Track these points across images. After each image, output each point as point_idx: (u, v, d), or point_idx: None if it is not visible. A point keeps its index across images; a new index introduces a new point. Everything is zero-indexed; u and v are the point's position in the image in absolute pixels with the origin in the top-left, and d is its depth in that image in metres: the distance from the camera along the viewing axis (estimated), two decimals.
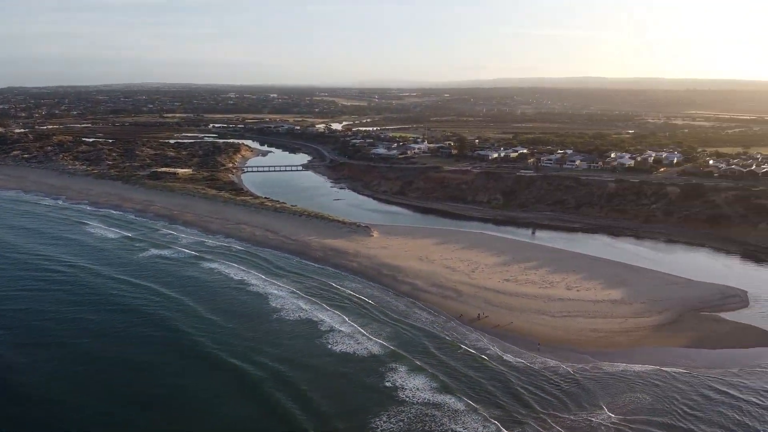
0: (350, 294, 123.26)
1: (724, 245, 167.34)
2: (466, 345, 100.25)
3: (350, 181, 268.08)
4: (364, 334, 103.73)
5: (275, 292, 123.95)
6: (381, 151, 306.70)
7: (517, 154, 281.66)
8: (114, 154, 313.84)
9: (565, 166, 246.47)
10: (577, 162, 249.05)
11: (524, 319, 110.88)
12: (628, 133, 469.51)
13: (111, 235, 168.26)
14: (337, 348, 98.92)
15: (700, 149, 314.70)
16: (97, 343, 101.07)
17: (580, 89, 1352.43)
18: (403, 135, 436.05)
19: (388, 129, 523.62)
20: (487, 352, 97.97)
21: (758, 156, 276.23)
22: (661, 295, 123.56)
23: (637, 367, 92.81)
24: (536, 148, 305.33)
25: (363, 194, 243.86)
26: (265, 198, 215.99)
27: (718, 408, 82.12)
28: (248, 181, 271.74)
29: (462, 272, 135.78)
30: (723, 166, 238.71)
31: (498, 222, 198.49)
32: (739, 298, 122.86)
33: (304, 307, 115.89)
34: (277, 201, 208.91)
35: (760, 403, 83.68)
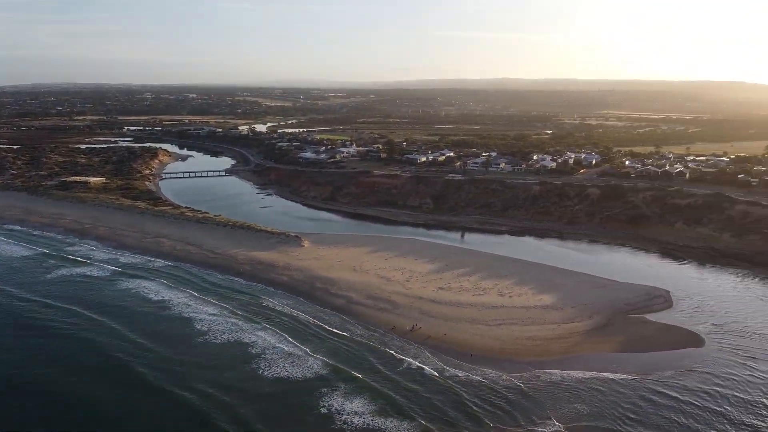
0: (282, 311, 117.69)
1: (644, 244, 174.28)
2: (403, 359, 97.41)
3: (277, 186, 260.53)
4: (297, 355, 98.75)
5: (200, 312, 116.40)
6: (309, 155, 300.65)
7: (444, 157, 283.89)
8: (19, 163, 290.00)
9: (490, 169, 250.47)
10: (502, 165, 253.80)
11: (460, 329, 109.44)
12: (547, 134, 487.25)
13: (16, 253, 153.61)
14: (270, 371, 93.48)
15: (615, 149, 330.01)
16: (8, 368, 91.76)
17: (499, 91, 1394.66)
18: (331, 137, 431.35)
19: (314, 131, 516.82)
20: (425, 366, 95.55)
21: (670, 155, 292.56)
22: (590, 298, 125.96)
23: (577, 374, 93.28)
24: (462, 151, 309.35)
25: (291, 200, 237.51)
26: (186, 208, 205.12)
27: (662, 412, 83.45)
28: (167, 189, 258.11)
29: (397, 282, 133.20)
30: (638, 166, 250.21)
31: (429, 226, 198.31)
32: (663, 299, 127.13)
33: (232, 327, 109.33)
34: (199, 211, 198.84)
35: (700, 404, 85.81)
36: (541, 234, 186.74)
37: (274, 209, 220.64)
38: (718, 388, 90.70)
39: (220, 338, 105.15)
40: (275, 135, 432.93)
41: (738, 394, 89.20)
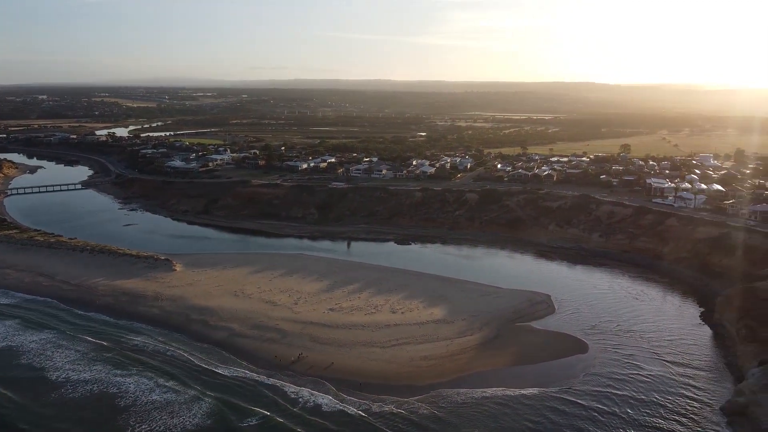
0: (153, 350, 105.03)
1: (521, 247, 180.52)
2: (296, 398, 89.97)
3: (143, 200, 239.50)
4: (174, 403, 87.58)
5: (55, 359, 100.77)
6: (178, 163, 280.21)
7: (326, 164, 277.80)
8: None
9: (373, 175, 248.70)
10: (384, 171, 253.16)
11: (355, 354, 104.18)
12: (422, 136, 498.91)
13: None
14: (144, 426, 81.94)
15: (486, 151, 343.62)
16: None
17: (374, 92, 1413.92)
18: (202, 141, 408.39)
19: (183, 134, 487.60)
20: (319, 401, 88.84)
21: (536, 157, 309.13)
22: (478, 308, 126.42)
23: (478, 393, 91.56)
24: (344, 157, 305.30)
25: (160, 216, 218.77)
26: (36, 231, 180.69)
27: (573, 421, 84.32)
28: (13, 207, 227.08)
29: (284, 306, 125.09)
30: (510, 169, 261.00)
31: (315, 238, 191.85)
32: (545, 304, 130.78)
33: (95, 375, 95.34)
34: (52, 234, 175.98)
35: (607, 408, 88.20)
36: (426, 240, 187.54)
37: (140, 227, 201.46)
38: (614, 390, 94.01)
39: (80, 390, 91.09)
40: (139, 141, 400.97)
41: (633, 394, 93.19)
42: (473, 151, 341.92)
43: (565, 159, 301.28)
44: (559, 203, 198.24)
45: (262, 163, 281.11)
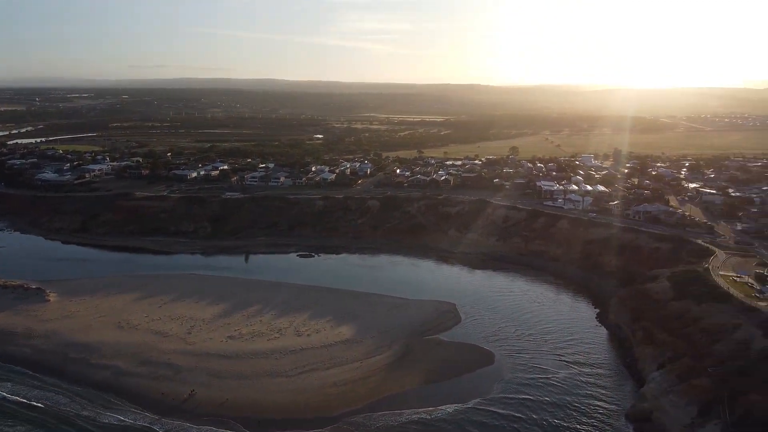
0: (25, 399, 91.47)
1: (425, 253, 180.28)
2: None
3: (10, 218, 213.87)
4: None
5: None
6: (50, 175, 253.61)
7: (218, 171, 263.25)
8: None
9: (270, 183, 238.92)
10: (282, 179, 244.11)
11: (258, 387, 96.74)
12: (319, 139, 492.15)
13: None
14: None
15: (384, 155, 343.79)
16: None
17: (266, 92, 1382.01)
18: (78, 148, 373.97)
19: (56, 141, 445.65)
20: None
21: (432, 161, 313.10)
22: (386, 323, 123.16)
23: (396, 417, 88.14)
24: (237, 163, 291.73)
25: (31, 236, 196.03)
26: None
27: None
28: None
29: (176, 337, 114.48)
30: (408, 174, 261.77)
31: (209, 253, 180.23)
32: (452, 314, 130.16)
33: None
34: None
35: (525, 416, 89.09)
36: (330, 251, 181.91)
37: (8, 250, 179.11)
38: (528, 396, 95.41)
39: None
40: (5, 150, 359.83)
41: (546, 398, 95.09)
42: (372, 155, 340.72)
43: (459, 162, 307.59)
44: (457, 208, 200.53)
45: (146, 172, 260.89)
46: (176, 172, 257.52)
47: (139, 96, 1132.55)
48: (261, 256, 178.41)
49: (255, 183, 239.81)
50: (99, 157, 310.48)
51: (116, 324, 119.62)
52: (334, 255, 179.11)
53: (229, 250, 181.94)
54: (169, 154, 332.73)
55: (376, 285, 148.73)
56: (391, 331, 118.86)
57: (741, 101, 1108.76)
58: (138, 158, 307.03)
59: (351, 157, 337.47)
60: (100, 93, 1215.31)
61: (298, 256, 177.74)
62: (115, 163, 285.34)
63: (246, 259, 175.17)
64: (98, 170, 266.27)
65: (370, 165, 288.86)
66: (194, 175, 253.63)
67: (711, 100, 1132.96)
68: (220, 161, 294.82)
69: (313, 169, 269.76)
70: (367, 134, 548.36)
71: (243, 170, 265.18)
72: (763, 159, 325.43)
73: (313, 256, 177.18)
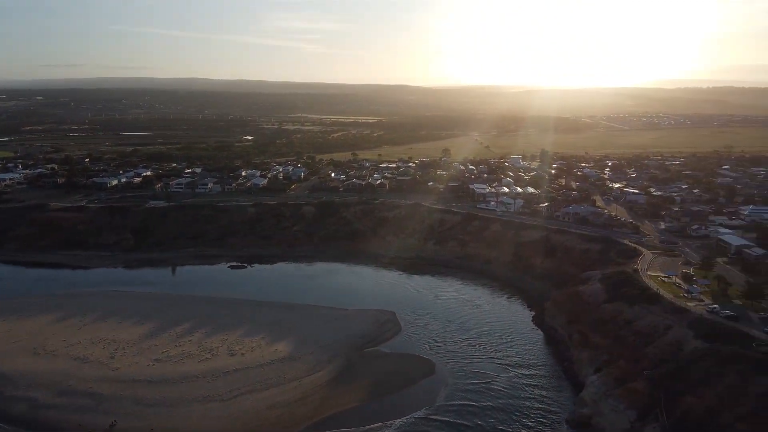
0: None
1: (363, 260, 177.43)
2: None
3: None
4: None
5: None
6: None
7: (141, 178, 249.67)
8: None
9: (197, 190, 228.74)
10: (210, 185, 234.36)
11: (190, 414, 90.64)
12: (248, 141, 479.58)
13: None
14: None
15: (318, 158, 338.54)
16: None
17: (191, 91, 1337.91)
18: None
19: None
20: None
21: (367, 164, 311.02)
22: (325, 336, 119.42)
23: None
24: (162, 169, 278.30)
25: None
26: None
27: None
28: None
29: (98, 362, 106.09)
30: (344, 177, 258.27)
31: (132, 267, 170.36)
32: (392, 324, 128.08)
33: None
34: None
35: (471, 424, 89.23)
36: (264, 261, 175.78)
37: None
38: (472, 403, 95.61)
39: None
40: None
41: (491, 404, 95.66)
42: (305, 158, 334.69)
43: (394, 165, 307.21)
44: (394, 213, 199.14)
45: (62, 180, 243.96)
46: (95, 179, 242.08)
47: (55, 97, 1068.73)
48: (189, 268, 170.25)
49: (181, 190, 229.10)
50: (10, 164, 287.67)
51: (31, 350, 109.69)
52: (268, 265, 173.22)
53: (155, 263, 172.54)
54: (87, 159, 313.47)
55: (313, 295, 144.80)
56: (330, 346, 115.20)
57: (654, 101, 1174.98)
58: (53, 165, 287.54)
59: (283, 160, 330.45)
60: (11, 95, 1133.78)
61: (229, 267, 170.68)
62: (28, 171, 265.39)
63: (173, 273, 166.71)
64: (9, 180, 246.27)
65: (303, 169, 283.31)
66: (115, 182, 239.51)
67: (626, 100, 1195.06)
68: (143, 167, 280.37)
69: (244, 174, 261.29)
70: (299, 135, 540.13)
71: (168, 176, 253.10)
72: (679, 157, 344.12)
73: (246, 267, 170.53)
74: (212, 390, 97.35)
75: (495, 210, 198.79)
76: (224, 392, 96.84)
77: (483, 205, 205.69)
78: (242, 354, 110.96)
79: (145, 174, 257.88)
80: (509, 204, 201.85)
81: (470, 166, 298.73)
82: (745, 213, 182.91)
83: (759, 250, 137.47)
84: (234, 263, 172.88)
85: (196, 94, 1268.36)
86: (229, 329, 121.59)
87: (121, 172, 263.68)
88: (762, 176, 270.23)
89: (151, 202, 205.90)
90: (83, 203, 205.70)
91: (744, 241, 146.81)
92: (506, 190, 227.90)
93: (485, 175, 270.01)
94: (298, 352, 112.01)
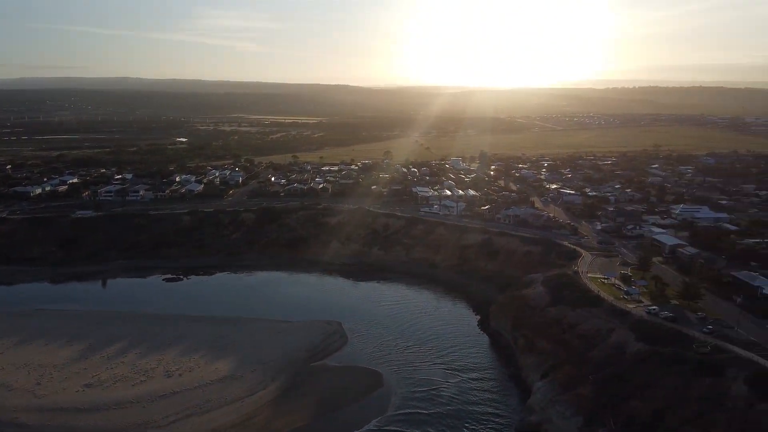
0: None
1: (306, 268, 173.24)
2: None
3: None
4: None
5: None
6: None
7: (67, 186, 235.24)
8: None
9: (128, 198, 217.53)
10: (142, 192, 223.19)
11: None
12: (183, 143, 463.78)
13: None
14: None
15: (257, 160, 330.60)
16: None
17: (122, 91, 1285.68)
18: None
19: None
20: None
21: (308, 167, 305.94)
22: (269, 352, 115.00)
23: None
24: (89, 175, 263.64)
25: None
26: None
27: None
28: None
29: (23, 389, 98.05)
30: (284, 182, 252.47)
31: (58, 281, 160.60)
32: (338, 335, 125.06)
33: None
34: None
35: (431, 431, 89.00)
36: (202, 272, 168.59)
37: None
38: (422, 411, 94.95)
39: None
40: None
41: (441, 410, 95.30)
42: (243, 161, 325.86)
43: (336, 168, 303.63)
44: (338, 218, 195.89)
45: None
46: (17, 189, 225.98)
47: None
48: (121, 282, 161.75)
49: (110, 198, 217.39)
50: None
51: None
52: (206, 276, 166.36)
53: (83, 278, 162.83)
54: (9, 166, 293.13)
55: (255, 308, 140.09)
56: (274, 362, 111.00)
57: (585, 101, 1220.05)
58: None
59: (220, 163, 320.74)
60: None
61: (164, 280, 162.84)
62: None
63: (104, 287, 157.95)
64: None
65: (241, 173, 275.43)
66: (38, 191, 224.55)
67: (559, 100, 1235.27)
68: (69, 173, 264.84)
69: (178, 179, 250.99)
70: (236, 137, 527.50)
71: (96, 184, 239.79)
72: (611, 157, 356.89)
73: (182, 279, 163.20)
74: (147, 416, 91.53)
75: (438, 213, 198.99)
76: (160, 418, 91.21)
77: (426, 209, 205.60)
78: (180, 375, 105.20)
79: (71, 181, 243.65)
80: (452, 207, 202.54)
81: (412, 169, 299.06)
82: (676, 212, 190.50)
83: (692, 250, 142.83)
84: (169, 275, 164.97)
85: (127, 94, 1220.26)
86: (165, 348, 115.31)
87: (45, 179, 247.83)
88: (690, 175, 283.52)
89: (78, 212, 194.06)
90: (4, 215, 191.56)
91: (677, 241, 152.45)
92: (448, 192, 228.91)
93: (427, 178, 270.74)
94: (240, 371, 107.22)
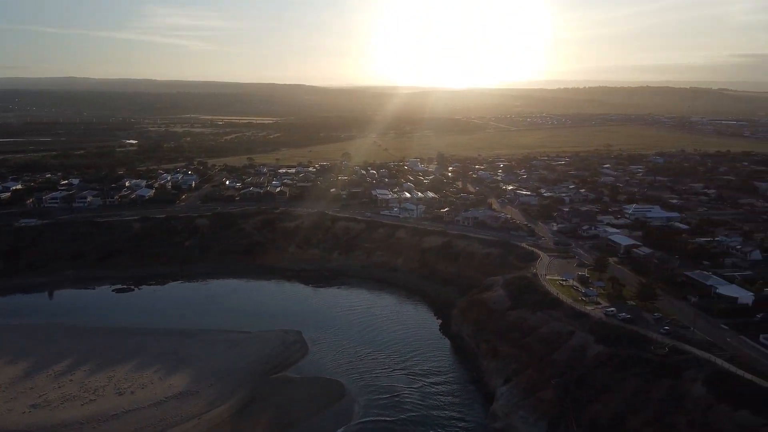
0: None
1: (265, 275, 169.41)
2: None
3: None
4: None
5: None
6: None
7: (9, 193, 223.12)
8: None
9: (75, 205, 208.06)
10: (89, 198, 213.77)
11: None
12: (132, 145, 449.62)
13: None
14: None
15: (211, 163, 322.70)
16: None
17: (68, 92, 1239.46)
18: None
19: None
20: None
21: (264, 169, 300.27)
22: (227, 365, 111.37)
23: None
24: (33, 180, 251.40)
25: None
26: None
27: None
28: None
29: None
30: (240, 185, 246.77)
31: (1, 294, 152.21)
32: (299, 344, 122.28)
33: None
34: None
35: None
36: (154, 282, 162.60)
37: None
38: (386, 418, 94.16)
39: None
40: None
41: (403, 416, 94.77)
42: (196, 164, 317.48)
43: (293, 170, 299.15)
44: (296, 223, 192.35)
45: None
46: None
47: None
48: (68, 293, 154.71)
49: (56, 205, 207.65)
50: None
51: None
52: (159, 286, 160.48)
53: (28, 290, 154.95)
54: None
55: (211, 318, 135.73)
56: (232, 375, 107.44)
57: (537, 101, 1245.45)
58: None
59: (172, 166, 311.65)
60: None
61: (114, 290, 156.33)
62: None
63: (50, 299, 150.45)
64: None
65: (194, 176, 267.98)
66: None
67: (512, 100, 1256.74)
68: (13, 179, 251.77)
69: (127, 184, 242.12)
70: (188, 138, 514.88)
71: (41, 190, 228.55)
72: (564, 157, 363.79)
73: (133, 290, 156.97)
74: None
75: (398, 216, 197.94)
76: None
77: (386, 212, 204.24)
78: (132, 392, 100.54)
79: (14, 188, 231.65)
80: (411, 210, 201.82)
81: (371, 171, 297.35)
82: (629, 212, 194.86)
83: (646, 249, 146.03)
84: (119, 286, 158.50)
85: (73, 95, 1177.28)
86: (117, 364, 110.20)
87: None
88: (641, 174, 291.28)
89: (22, 221, 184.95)
90: None
91: (632, 241, 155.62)
92: (408, 195, 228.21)
93: (386, 180, 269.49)
94: (197, 385, 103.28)
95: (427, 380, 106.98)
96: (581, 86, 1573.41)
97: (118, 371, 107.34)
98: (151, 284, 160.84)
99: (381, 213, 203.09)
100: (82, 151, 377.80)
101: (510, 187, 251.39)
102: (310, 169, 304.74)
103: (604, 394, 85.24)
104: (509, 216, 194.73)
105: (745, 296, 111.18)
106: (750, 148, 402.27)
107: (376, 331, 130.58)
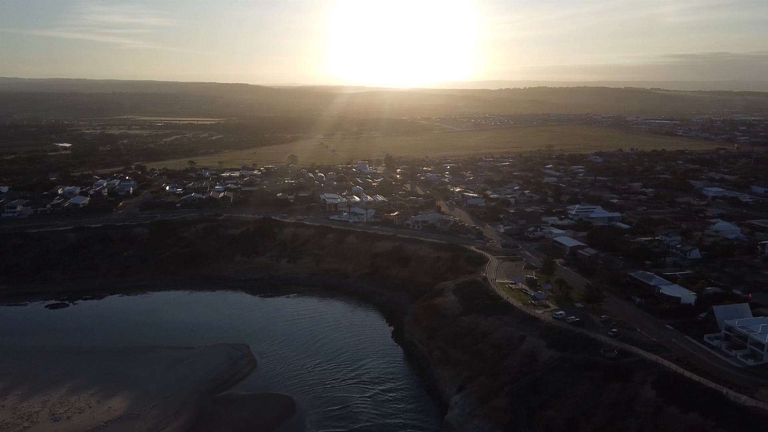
0: None
1: (209, 285, 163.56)
2: None
3: None
4: None
5: None
6: None
7: None
8: None
9: (4, 215, 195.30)
10: (19, 208, 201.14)
11: None
12: (66, 149, 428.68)
13: None
14: None
15: (150, 167, 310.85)
16: None
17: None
18: None
19: None
20: None
21: (207, 173, 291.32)
22: (170, 384, 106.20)
23: None
24: None
25: None
26: None
27: None
28: None
29: None
30: (181, 191, 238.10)
31: None
32: (246, 359, 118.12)
33: None
34: None
35: None
36: (90, 296, 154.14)
37: None
38: (339, 429, 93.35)
39: None
40: None
41: (355, 426, 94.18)
42: (134, 168, 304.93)
43: (237, 174, 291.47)
44: (242, 230, 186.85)
45: None
46: None
47: None
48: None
49: None
50: None
51: None
52: (96, 300, 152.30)
53: None
54: None
55: (152, 334, 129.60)
56: (176, 395, 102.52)
57: (481, 101, 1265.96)
58: None
59: (108, 171, 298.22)
60: None
61: (47, 306, 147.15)
62: None
63: None
64: None
65: (132, 182, 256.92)
66: None
67: (456, 101, 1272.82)
68: None
69: (61, 191, 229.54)
70: (126, 141, 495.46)
71: None
72: (508, 157, 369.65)
73: (68, 305, 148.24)
74: None
75: (347, 221, 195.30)
76: None
77: (336, 217, 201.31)
78: (68, 417, 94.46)
79: None
80: (361, 214, 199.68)
81: (319, 173, 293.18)
82: (572, 212, 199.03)
83: (591, 250, 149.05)
84: (53, 301, 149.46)
85: (2, 96, 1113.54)
86: (51, 387, 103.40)
87: None
88: (582, 174, 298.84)
89: None
90: None
91: (577, 242, 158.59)
92: (357, 199, 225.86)
93: (335, 183, 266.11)
94: (138, 408, 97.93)
95: (380, 388, 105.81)
96: (522, 87, 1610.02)
97: (53, 395, 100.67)
98: (87, 299, 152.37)
99: (330, 218, 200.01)
100: (11, 156, 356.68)
101: (458, 189, 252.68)
102: (255, 172, 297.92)
103: (556, 400, 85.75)
104: (458, 219, 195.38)
105: (688, 296, 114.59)
106: (683, 146, 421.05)
107: (327, 340, 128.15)
